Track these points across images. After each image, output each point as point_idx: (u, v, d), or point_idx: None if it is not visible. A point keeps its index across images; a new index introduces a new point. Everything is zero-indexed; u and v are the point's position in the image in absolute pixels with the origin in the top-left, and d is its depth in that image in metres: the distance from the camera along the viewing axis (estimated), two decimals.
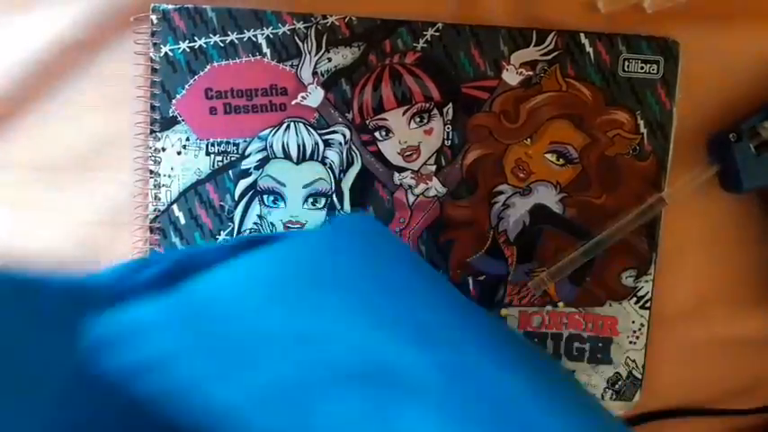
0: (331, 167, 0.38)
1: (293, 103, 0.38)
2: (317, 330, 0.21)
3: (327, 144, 0.38)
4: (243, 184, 0.38)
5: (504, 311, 0.40)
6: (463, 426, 0.19)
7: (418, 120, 0.39)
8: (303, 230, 0.37)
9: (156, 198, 0.38)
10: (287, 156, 0.38)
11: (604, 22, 0.39)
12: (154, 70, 0.37)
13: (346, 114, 0.38)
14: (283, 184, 0.38)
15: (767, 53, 0.40)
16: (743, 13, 0.40)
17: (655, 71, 0.39)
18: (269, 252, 0.24)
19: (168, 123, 0.38)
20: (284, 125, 0.38)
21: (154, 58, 0.37)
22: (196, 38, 0.37)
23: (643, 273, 0.40)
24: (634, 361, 0.41)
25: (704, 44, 0.39)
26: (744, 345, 0.42)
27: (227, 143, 0.38)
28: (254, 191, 0.38)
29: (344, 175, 0.39)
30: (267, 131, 0.38)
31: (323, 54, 0.38)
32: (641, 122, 0.39)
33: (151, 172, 0.38)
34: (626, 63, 0.39)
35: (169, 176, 0.38)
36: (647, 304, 0.41)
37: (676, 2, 0.38)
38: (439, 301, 0.24)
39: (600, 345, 0.40)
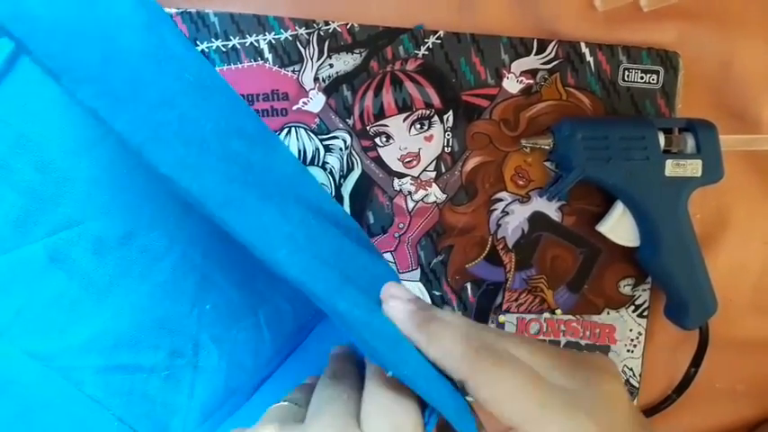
0: (331, 173, 0.39)
1: (294, 108, 0.38)
2: None
3: (328, 149, 0.38)
4: None
5: (502, 318, 0.40)
6: None
7: (419, 126, 0.39)
8: None
9: None
10: None
11: (603, 20, 0.39)
12: None
13: (347, 120, 0.38)
14: None
15: (763, 52, 0.40)
16: (739, 11, 0.40)
17: (654, 81, 0.39)
18: None
19: None
20: (285, 130, 0.38)
21: None
22: (198, 42, 0.37)
23: (641, 281, 0.41)
24: (631, 369, 0.41)
25: (700, 42, 0.39)
26: (742, 350, 0.42)
27: None
28: None
29: (345, 181, 0.39)
30: None
31: (324, 60, 0.38)
32: None
33: None
34: (626, 73, 0.39)
35: None
36: (645, 313, 0.41)
37: (672, 0, 0.38)
38: None
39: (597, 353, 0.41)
